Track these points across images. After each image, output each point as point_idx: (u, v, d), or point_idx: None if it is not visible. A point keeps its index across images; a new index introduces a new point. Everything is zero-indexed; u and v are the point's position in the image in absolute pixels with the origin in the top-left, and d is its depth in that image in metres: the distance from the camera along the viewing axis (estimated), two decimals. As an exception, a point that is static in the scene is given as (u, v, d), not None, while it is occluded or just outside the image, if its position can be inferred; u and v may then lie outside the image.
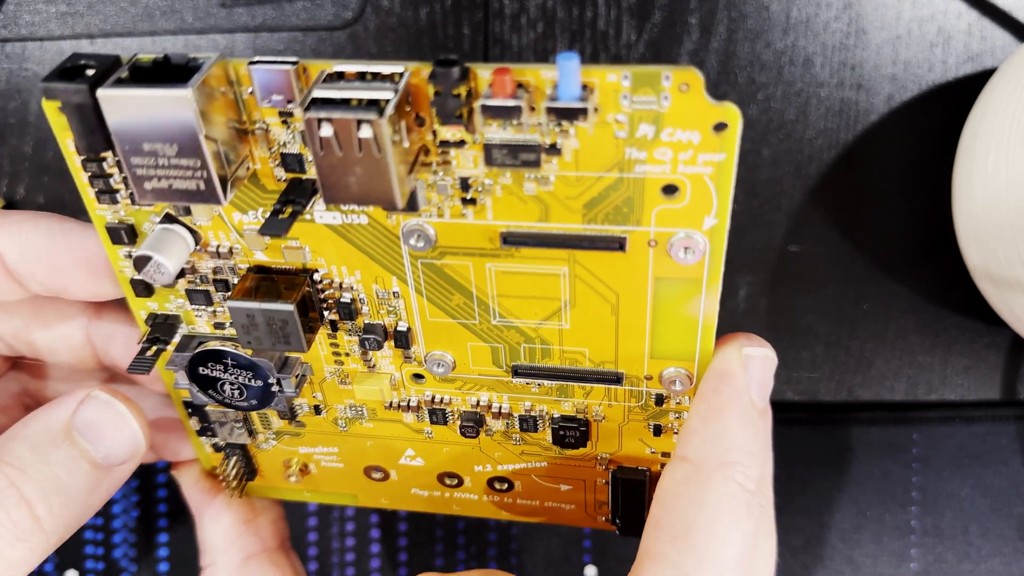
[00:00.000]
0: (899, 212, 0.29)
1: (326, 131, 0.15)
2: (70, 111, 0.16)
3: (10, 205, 0.29)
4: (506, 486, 0.23)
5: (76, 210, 0.29)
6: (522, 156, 0.17)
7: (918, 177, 0.29)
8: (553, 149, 0.17)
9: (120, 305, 0.24)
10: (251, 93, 0.17)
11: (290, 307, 0.19)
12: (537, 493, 0.23)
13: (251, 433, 0.23)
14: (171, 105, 0.15)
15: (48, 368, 0.25)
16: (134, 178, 0.16)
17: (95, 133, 0.16)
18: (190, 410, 0.23)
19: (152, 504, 0.30)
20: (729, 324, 0.30)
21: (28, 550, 0.18)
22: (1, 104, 0.29)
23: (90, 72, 0.16)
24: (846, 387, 0.31)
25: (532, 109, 0.16)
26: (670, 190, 0.17)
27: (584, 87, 0.16)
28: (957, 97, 0.29)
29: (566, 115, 0.16)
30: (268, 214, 0.18)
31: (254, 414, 0.23)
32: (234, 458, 0.24)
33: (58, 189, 0.29)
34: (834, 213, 0.29)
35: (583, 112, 0.16)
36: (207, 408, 0.23)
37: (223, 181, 0.17)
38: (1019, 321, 0.26)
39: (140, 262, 0.18)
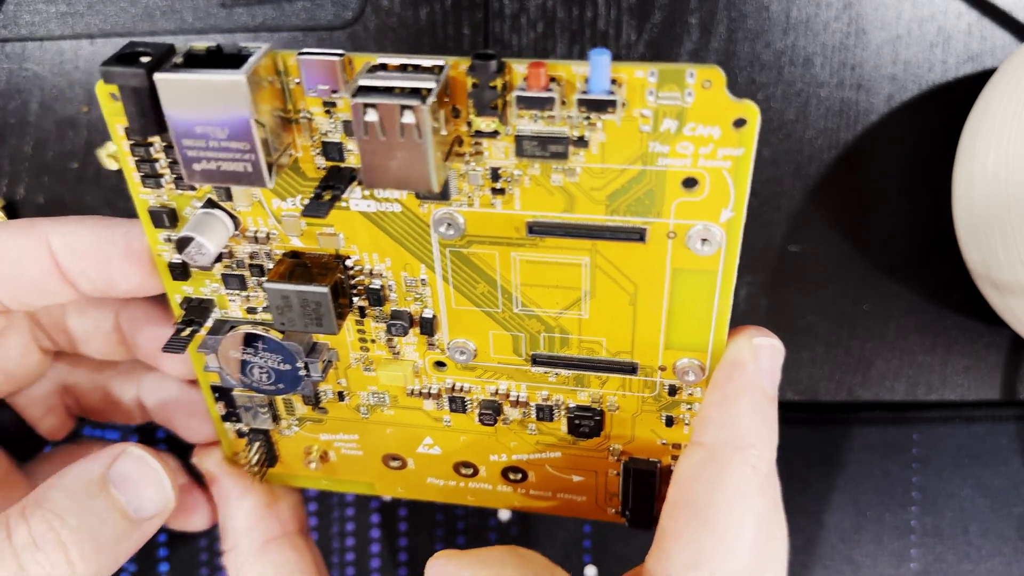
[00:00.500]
0: (899, 212, 0.29)
1: (371, 116, 0.16)
2: (127, 95, 0.17)
3: (10, 205, 0.29)
4: (520, 476, 0.24)
5: (76, 210, 0.29)
6: (551, 148, 0.17)
7: (918, 177, 0.29)
8: (581, 142, 0.18)
9: (147, 298, 0.24)
10: (297, 83, 0.18)
11: (324, 290, 0.19)
12: (550, 484, 0.24)
13: (275, 419, 0.24)
14: (225, 89, 0.16)
15: (85, 366, 0.26)
16: (184, 160, 0.17)
17: (148, 116, 0.17)
18: (217, 395, 0.24)
19: (152, 504, 0.30)
20: (730, 324, 0.30)
21: None
22: (1, 104, 0.29)
23: (145, 59, 0.17)
24: (846, 387, 0.31)
25: (563, 103, 0.17)
26: (690, 183, 0.18)
27: (613, 82, 0.17)
28: (957, 97, 0.29)
29: (596, 107, 0.17)
30: (309, 199, 0.19)
31: (279, 400, 0.23)
32: (257, 443, 0.24)
33: (58, 189, 0.29)
34: (834, 213, 0.29)
35: (612, 104, 0.17)
36: (234, 393, 0.23)
37: (269, 165, 0.17)
38: (1019, 321, 0.26)
39: (182, 243, 0.19)
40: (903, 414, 0.30)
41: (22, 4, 0.28)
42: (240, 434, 0.25)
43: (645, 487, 0.23)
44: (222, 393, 0.24)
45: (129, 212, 0.29)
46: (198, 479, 0.27)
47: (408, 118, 0.16)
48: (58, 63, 0.29)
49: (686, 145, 0.17)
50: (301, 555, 0.26)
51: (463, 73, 0.17)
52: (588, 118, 0.17)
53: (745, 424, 0.19)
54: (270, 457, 0.25)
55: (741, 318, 0.30)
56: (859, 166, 0.29)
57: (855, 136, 0.29)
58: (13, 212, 0.29)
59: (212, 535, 0.30)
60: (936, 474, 0.30)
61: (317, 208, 0.18)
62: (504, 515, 0.30)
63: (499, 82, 0.17)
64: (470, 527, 0.30)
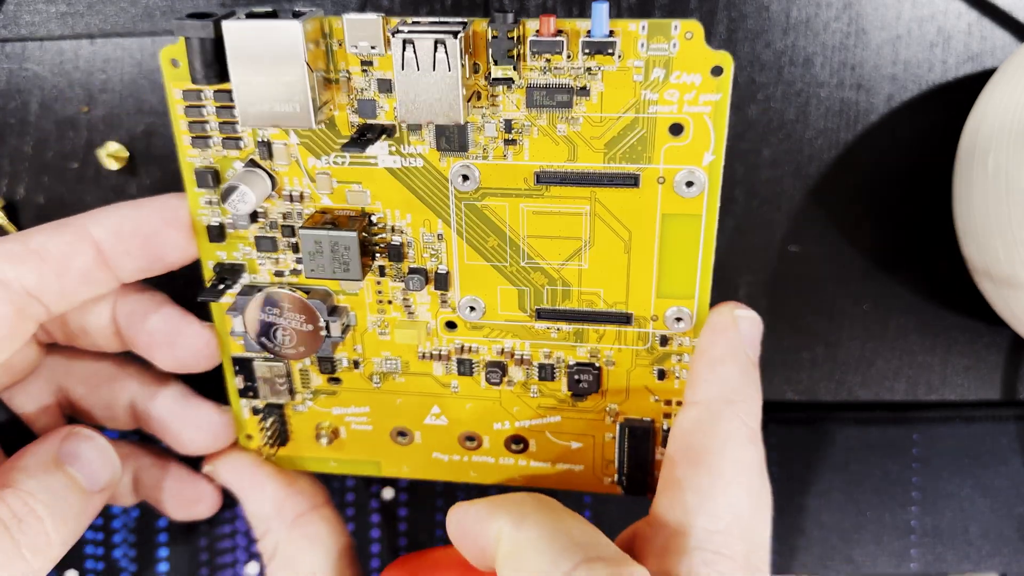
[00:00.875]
0: (899, 212, 0.29)
1: (410, 52, 0.19)
2: (195, 45, 0.19)
3: (10, 205, 0.29)
4: (522, 447, 0.25)
5: (76, 210, 0.29)
6: (558, 97, 0.20)
7: (918, 177, 0.29)
8: (583, 91, 0.20)
9: (143, 289, 0.25)
10: (340, 46, 0.21)
11: (353, 234, 0.22)
12: (550, 453, 0.25)
13: (291, 392, 0.25)
14: (282, 35, 0.19)
15: (80, 367, 0.27)
16: (242, 103, 0.20)
17: (211, 66, 0.20)
18: (237, 368, 0.25)
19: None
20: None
21: (45, 561, 0.21)
22: (1, 104, 0.29)
23: (209, 18, 0.20)
24: (846, 387, 0.31)
25: (569, 56, 0.20)
26: (676, 129, 0.21)
27: (611, 32, 0.20)
28: (957, 97, 0.29)
29: (598, 48, 0.19)
30: (347, 141, 0.21)
31: (296, 372, 0.25)
32: (272, 419, 0.26)
33: (58, 189, 0.29)
34: (834, 213, 0.29)
35: (612, 45, 0.19)
36: (255, 364, 0.25)
37: (315, 107, 0.20)
38: (1019, 321, 0.26)
39: (227, 192, 0.21)
40: (903, 414, 0.30)
41: (22, 4, 0.28)
42: (255, 411, 0.26)
43: (641, 447, 0.24)
44: (242, 366, 0.25)
45: (129, 212, 0.29)
46: (195, 467, 0.28)
47: (441, 52, 0.19)
48: (58, 63, 0.29)
49: (672, 92, 0.20)
50: (331, 525, 0.27)
51: (483, 29, 0.20)
52: (589, 69, 0.20)
53: (734, 382, 0.21)
54: (282, 435, 0.26)
55: (741, 318, 0.30)
56: (859, 166, 0.29)
57: (855, 136, 0.29)
58: (13, 212, 0.29)
59: (212, 535, 0.30)
60: (936, 474, 0.30)
61: (357, 144, 0.21)
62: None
63: (515, 33, 0.19)
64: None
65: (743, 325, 0.22)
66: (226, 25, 0.19)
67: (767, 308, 0.30)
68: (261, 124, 0.20)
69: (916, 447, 0.30)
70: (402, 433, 0.26)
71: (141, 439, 0.29)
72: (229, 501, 0.29)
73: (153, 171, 0.29)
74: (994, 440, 0.30)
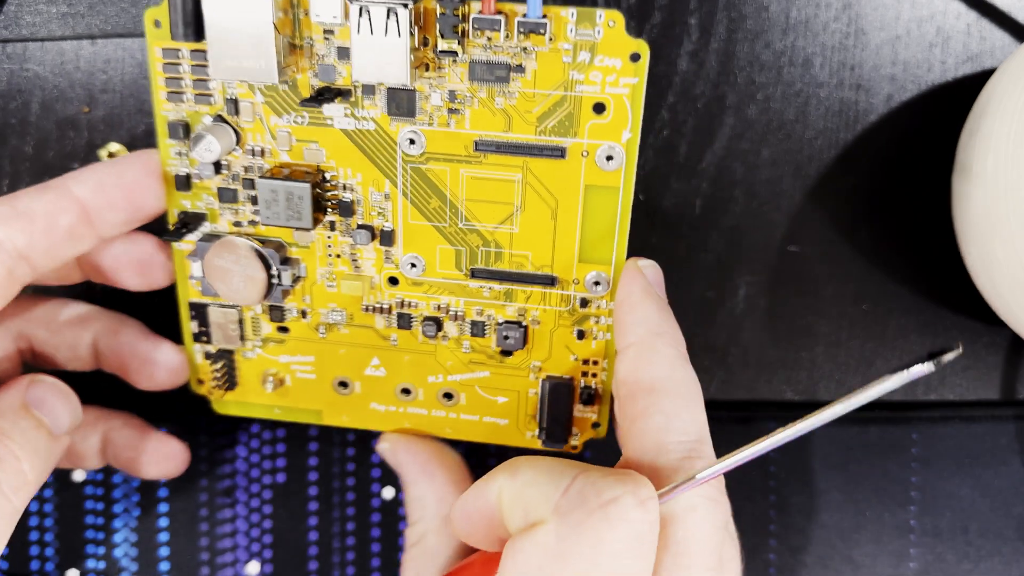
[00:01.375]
0: (898, 212, 0.29)
1: (366, 19, 0.21)
2: (176, 5, 0.22)
3: (11, 205, 0.29)
4: (453, 401, 0.27)
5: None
6: (496, 72, 0.23)
7: (917, 177, 0.29)
8: (519, 68, 0.23)
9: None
10: (306, 15, 0.23)
11: (307, 185, 0.24)
12: (478, 406, 0.27)
13: (242, 338, 0.27)
14: (254, 2, 0.22)
15: (39, 309, 0.28)
16: (215, 57, 0.22)
17: (190, 25, 0.22)
18: (193, 313, 0.27)
19: (153, 503, 0.30)
20: (729, 323, 0.30)
21: (24, 500, 0.22)
22: (2, 104, 0.29)
23: None
24: (846, 387, 0.31)
25: (507, 36, 0.23)
26: (599, 108, 0.23)
27: (544, 16, 0.22)
28: (956, 97, 0.29)
29: (531, 28, 0.22)
30: (308, 97, 0.24)
31: (247, 318, 0.27)
32: (222, 363, 0.27)
33: (59, 189, 0.29)
34: (833, 213, 0.29)
35: (544, 27, 0.22)
36: (209, 309, 0.27)
37: (279, 66, 0.22)
38: (1018, 321, 0.26)
39: (196, 139, 0.23)
40: (902, 414, 0.30)
41: (23, 5, 0.28)
42: (207, 355, 0.27)
43: (561, 401, 0.26)
44: (197, 311, 0.27)
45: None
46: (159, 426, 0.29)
47: (392, 19, 0.21)
48: (59, 64, 0.29)
49: (596, 74, 0.23)
50: None
51: (433, 6, 0.22)
52: (525, 49, 0.23)
53: (654, 318, 0.23)
54: (231, 380, 0.28)
55: (740, 318, 0.30)
56: (858, 166, 0.29)
57: (854, 136, 0.29)
58: (14, 212, 0.29)
59: (213, 534, 0.30)
60: (935, 474, 0.31)
61: (315, 100, 0.23)
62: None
63: (460, 11, 0.22)
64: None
65: (648, 272, 0.24)
66: None
67: (767, 308, 0.30)
68: (230, 77, 0.22)
69: (915, 447, 0.30)
70: (343, 383, 0.27)
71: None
72: (230, 499, 0.29)
73: (154, 171, 0.29)
74: (993, 440, 0.30)
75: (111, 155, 0.28)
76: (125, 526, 0.30)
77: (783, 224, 0.30)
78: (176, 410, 0.30)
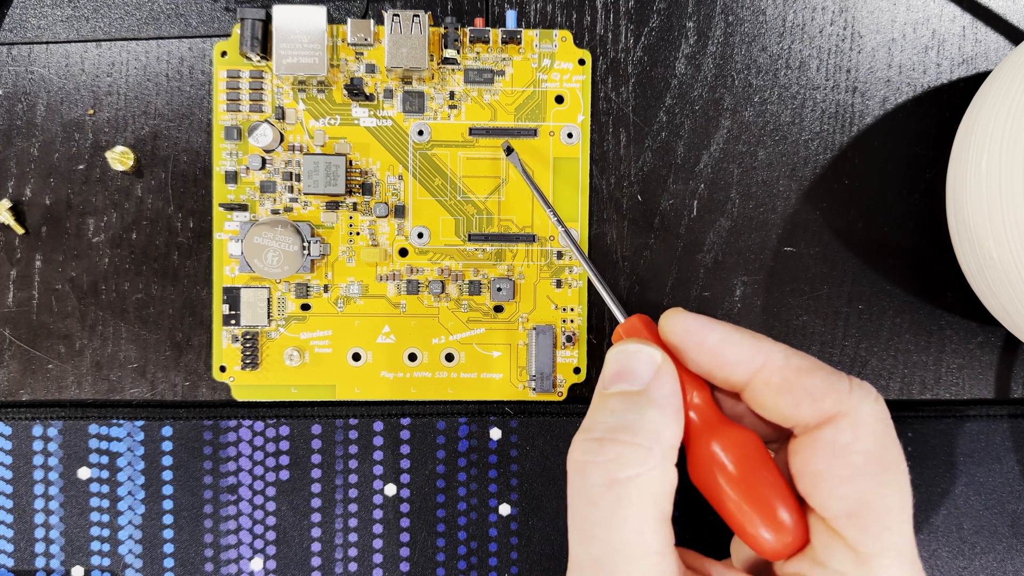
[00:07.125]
0: (893, 213, 0.30)
1: (397, 22, 0.29)
2: (247, 27, 0.29)
3: (17, 206, 0.29)
4: (454, 362, 0.31)
5: (81, 210, 0.29)
6: (484, 76, 0.30)
7: (912, 178, 0.29)
8: (501, 73, 0.30)
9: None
10: (342, 42, 0.30)
11: (342, 156, 0.30)
12: (476, 363, 0.31)
13: (268, 316, 0.31)
14: (312, 15, 0.29)
15: None
16: (279, 56, 0.29)
17: (258, 39, 0.29)
18: (225, 297, 0.30)
19: (158, 500, 0.30)
20: (721, 317, 0.30)
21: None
22: (8, 107, 0.29)
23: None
24: (841, 386, 0.31)
25: (491, 49, 0.30)
26: (560, 99, 0.30)
27: (519, 31, 0.29)
28: (951, 100, 0.29)
29: (510, 36, 0.29)
30: (346, 92, 0.30)
31: (274, 298, 0.31)
32: (248, 343, 0.31)
33: (64, 190, 0.29)
34: (829, 214, 0.30)
35: (519, 36, 0.29)
36: (241, 291, 0.30)
37: (328, 62, 0.29)
38: (1012, 320, 0.26)
39: (253, 128, 0.29)
40: (897, 412, 0.30)
41: (29, 8, 0.29)
42: (234, 339, 0.31)
43: (546, 346, 0.31)
44: (229, 295, 0.30)
45: (134, 212, 0.29)
46: None
47: (416, 23, 0.29)
48: (64, 66, 0.29)
49: (556, 74, 0.30)
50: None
51: (440, 30, 0.30)
52: (504, 58, 0.30)
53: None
54: (254, 359, 0.31)
55: (737, 317, 0.30)
56: (854, 168, 0.29)
57: (850, 139, 0.29)
58: (20, 213, 0.29)
59: (217, 531, 0.31)
60: (930, 472, 0.31)
61: (353, 94, 0.30)
62: (504, 510, 0.31)
63: (459, 32, 0.30)
64: (471, 522, 0.31)
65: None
66: (276, 8, 0.29)
67: (762, 308, 0.30)
68: (292, 72, 0.29)
69: (911, 445, 0.31)
70: (356, 356, 0.31)
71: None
72: (234, 496, 0.29)
73: (158, 173, 0.29)
74: (988, 438, 0.31)
75: (116, 158, 0.29)
76: (130, 523, 0.30)
77: (779, 225, 0.30)
78: (178, 410, 0.30)
